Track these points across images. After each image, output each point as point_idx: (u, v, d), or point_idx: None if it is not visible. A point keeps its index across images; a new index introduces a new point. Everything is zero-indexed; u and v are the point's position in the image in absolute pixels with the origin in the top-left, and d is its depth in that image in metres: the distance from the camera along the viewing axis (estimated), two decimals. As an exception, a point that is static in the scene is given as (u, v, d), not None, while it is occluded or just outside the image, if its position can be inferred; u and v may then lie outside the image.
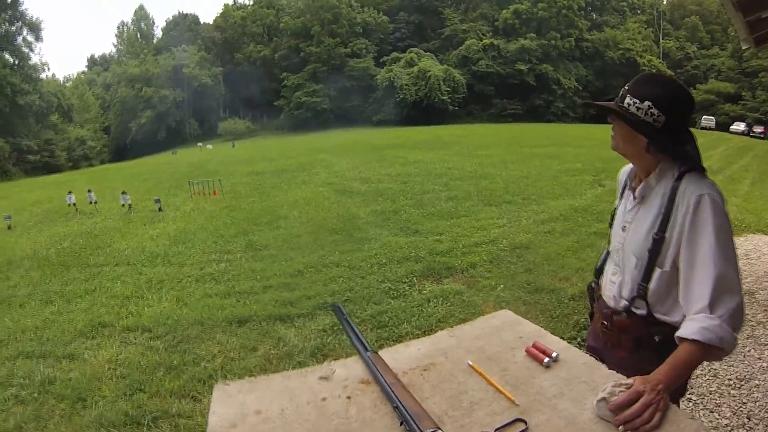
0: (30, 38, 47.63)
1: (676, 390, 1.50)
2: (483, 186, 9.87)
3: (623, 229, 1.59)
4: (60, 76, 75.18)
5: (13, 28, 45.71)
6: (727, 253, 1.34)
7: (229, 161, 22.46)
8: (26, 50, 47.10)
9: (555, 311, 4.44)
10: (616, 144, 1.56)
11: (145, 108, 56.29)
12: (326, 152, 20.88)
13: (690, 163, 1.46)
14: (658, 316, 1.48)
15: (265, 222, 9.05)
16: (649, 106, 1.41)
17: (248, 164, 19.50)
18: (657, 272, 1.45)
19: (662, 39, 61.26)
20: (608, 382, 1.10)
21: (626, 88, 1.50)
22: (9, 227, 11.20)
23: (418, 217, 8.02)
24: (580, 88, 56.10)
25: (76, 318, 5.42)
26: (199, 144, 44.54)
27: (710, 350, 1.26)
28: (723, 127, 41.90)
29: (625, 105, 1.47)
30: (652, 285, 1.47)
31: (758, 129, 40.38)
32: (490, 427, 0.98)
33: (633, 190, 1.59)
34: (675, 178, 1.45)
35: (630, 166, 1.69)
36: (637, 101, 1.44)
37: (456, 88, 52.51)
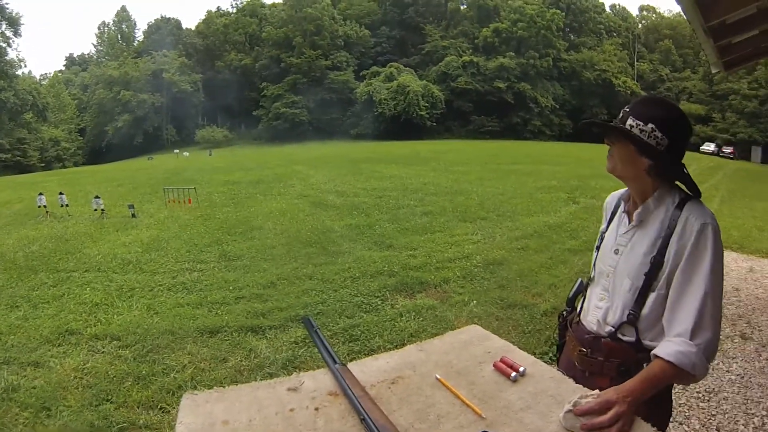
0: (8, 33, 46.78)
1: (664, 412, 1.56)
2: (458, 202, 9.98)
3: (616, 252, 1.57)
4: (37, 74, 73.34)
5: None
6: (717, 286, 1.38)
7: (206, 169, 22.25)
8: (3, 45, 46.21)
9: (527, 326, 4.53)
10: (613, 166, 1.55)
11: (123, 111, 55.30)
12: (303, 164, 20.88)
13: (690, 189, 1.50)
14: (646, 342, 1.48)
15: (239, 232, 9.01)
16: (652, 128, 1.42)
17: (225, 173, 19.36)
18: (651, 296, 1.47)
19: (637, 61, 63.62)
20: (575, 395, 1.14)
21: (627, 110, 1.50)
22: None
23: (392, 232, 8.07)
24: (557, 106, 57.54)
25: (43, 324, 5.29)
26: (176, 151, 44.00)
27: (682, 374, 1.31)
28: (694, 147, 43.41)
29: (627, 127, 1.46)
30: (645, 310, 1.48)
31: (727, 150, 42.46)
32: None
33: (628, 213, 1.60)
34: (676, 204, 1.46)
35: (621, 191, 1.71)
36: (641, 123, 1.44)
37: (435, 104, 53.16)
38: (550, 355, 3.80)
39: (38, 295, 6.29)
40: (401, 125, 50.46)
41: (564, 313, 1.83)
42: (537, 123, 56.12)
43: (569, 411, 1.09)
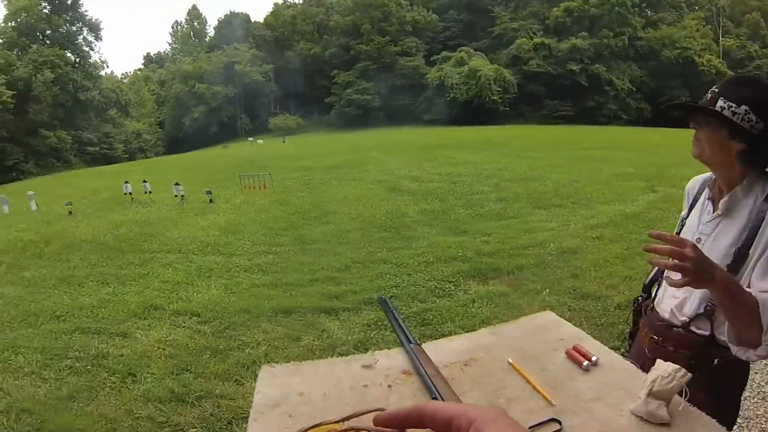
0: (90, 38, 50.95)
1: (737, 383, 1.47)
2: (533, 188, 9.71)
3: (698, 240, 1.48)
4: (118, 73, 79.36)
5: (74, 28, 48.94)
6: None
7: (280, 156, 22.96)
8: (87, 49, 50.33)
9: (600, 319, 4.34)
10: (699, 151, 1.44)
11: (198, 103, 58.27)
12: (376, 150, 21.02)
13: None
14: (720, 338, 1.39)
15: (314, 217, 9.22)
16: (746, 110, 1.32)
17: (298, 160, 19.87)
18: None
19: (722, 37, 57.17)
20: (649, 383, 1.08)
21: (716, 90, 1.39)
22: (70, 213, 11.90)
23: (466, 218, 7.99)
24: (634, 89, 53.46)
25: (130, 299, 5.75)
26: (250, 139, 45.77)
27: (755, 318, 1.21)
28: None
29: (718, 108, 1.36)
30: None
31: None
32: (525, 424, 0.98)
33: (713, 200, 1.50)
34: (766, 195, 1.36)
35: (704, 176, 1.60)
36: (733, 105, 1.33)
37: (507, 88, 51.57)
38: (622, 350, 3.59)
39: (125, 273, 6.81)
40: (473, 110, 49.47)
41: (639, 299, 1.76)
42: (612, 107, 52.57)
43: (647, 398, 1.03)
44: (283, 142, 40.61)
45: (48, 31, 46.04)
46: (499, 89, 50.67)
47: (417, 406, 0.43)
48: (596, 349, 1.28)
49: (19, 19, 44.27)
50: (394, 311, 1.48)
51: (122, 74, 73.79)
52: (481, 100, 49.69)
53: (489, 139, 23.02)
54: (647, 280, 1.75)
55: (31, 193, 14.63)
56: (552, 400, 1.08)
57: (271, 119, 59.37)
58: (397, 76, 55.39)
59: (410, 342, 1.32)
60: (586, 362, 1.21)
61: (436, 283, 5.43)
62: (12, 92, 36.79)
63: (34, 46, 44.20)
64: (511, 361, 1.25)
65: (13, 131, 37.87)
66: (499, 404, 1.02)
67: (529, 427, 0.98)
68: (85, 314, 5.46)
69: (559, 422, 1.00)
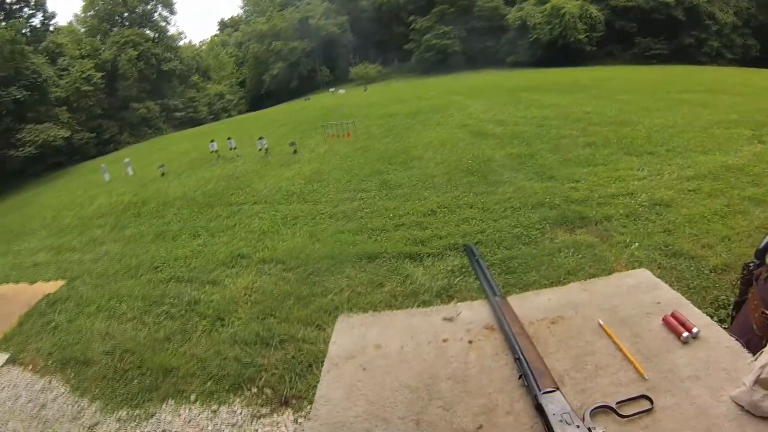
0: (165, 13, 54.50)
1: None
2: (623, 133, 8.96)
3: None
4: (196, 42, 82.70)
5: (149, 6, 52.38)
6: None
7: (362, 104, 22.98)
8: (163, 24, 53.91)
9: (692, 281, 3.91)
10: None
11: (276, 60, 59.74)
12: (459, 94, 20.44)
13: None
14: None
15: (398, 162, 9.15)
16: None
17: (381, 107, 19.78)
18: None
19: None
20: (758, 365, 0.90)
21: None
22: (162, 174, 12.83)
23: (553, 163, 7.60)
24: (740, 23, 46.69)
25: (219, 250, 6.09)
26: (331, 89, 46.32)
27: None
28: None
29: None
30: None
31: None
32: (612, 398, 0.90)
33: None
34: None
35: None
36: None
37: (593, 26, 47.28)
38: (715, 319, 3.19)
39: (214, 225, 7.22)
40: (558, 51, 46.17)
41: (750, 265, 1.53)
42: (714, 44, 46.10)
43: (756, 383, 0.85)
44: (365, 90, 40.59)
45: (125, 14, 49.90)
46: (585, 27, 46.64)
47: None
48: (697, 318, 1.12)
49: (97, 7, 48.38)
50: (479, 261, 1.41)
51: (200, 42, 76.97)
52: (566, 39, 46.18)
53: (576, 80, 21.54)
54: (762, 245, 1.51)
55: (127, 160, 15.94)
56: (644, 374, 0.97)
57: (351, 69, 59.58)
58: (476, 18, 52.87)
59: (495, 294, 1.25)
60: (685, 333, 1.06)
61: (521, 230, 5.25)
62: (101, 74, 40.69)
63: (115, 29, 48.11)
64: (601, 322, 1.14)
65: (107, 108, 41.88)
66: (585, 372, 0.99)
67: (617, 403, 0.89)
68: (179, 265, 5.88)
69: (651, 401, 0.89)
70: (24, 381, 4.23)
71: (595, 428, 0.82)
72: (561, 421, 0.83)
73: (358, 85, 51.54)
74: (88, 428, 3.44)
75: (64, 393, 3.93)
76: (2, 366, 4.52)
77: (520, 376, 0.97)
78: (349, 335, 1.25)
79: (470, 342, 1.15)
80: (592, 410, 0.87)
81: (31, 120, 32.31)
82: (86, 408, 3.67)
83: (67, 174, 26.17)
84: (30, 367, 4.42)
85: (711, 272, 4.01)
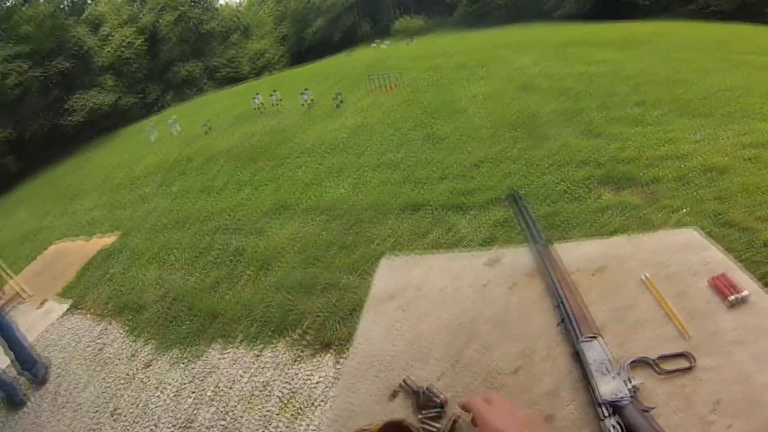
0: None
1: None
2: (677, 94, 8.38)
3: None
4: (234, 1, 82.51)
5: None
6: None
7: (406, 58, 22.55)
8: None
9: (743, 254, 3.66)
10: None
11: (317, 15, 59.07)
12: (505, 48, 19.70)
13: None
14: None
15: (444, 115, 9.01)
16: None
17: (425, 60, 19.33)
18: None
19: None
20: None
21: None
22: (207, 131, 13.10)
23: (601, 121, 7.29)
24: None
25: (264, 201, 6.25)
26: (374, 43, 45.58)
27: None
28: None
29: None
30: None
31: None
32: (652, 353, 0.88)
33: None
34: None
35: None
36: None
37: None
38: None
39: (259, 178, 7.37)
40: (610, 4, 43.13)
41: None
42: None
43: None
44: (408, 43, 39.75)
45: (162, -22, 50.66)
46: None
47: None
48: (747, 283, 1.06)
49: (134, -26, 49.14)
50: (523, 207, 1.37)
51: (238, 2, 76.69)
52: None
53: (628, 36, 20.19)
54: None
55: (172, 119, 16.31)
56: (688, 331, 0.94)
57: (394, 22, 58.33)
58: (524, -32, 50.36)
59: (538, 241, 1.22)
60: (733, 296, 1.00)
61: (566, 186, 5.12)
62: (142, 38, 42.20)
63: None
64: (646, 277, 1.10)
65: (150, 71, 43.13)
66: (626, 324, 0.97)
67: (657, 358, 0.87)
68: (225, 216, 6.07)
69: (693, 359, 0.87)
70: (84, 326, 4.55)
71: (633, 379, 0.82)
72: (599, 369, 0.84)
73: (401, 38, 50.50)
74: (143, 367, 3.68)
75: (120, 336, 4.21)
76: (65, 313, 4.86)
77: (560, 322, 0.97)
78: (392, 276, 1.26)
79: (511, 287, 1.14)
80: (631, 362, 0.87)
81: (78, 88, 34.01)
82: (141, 349, 3.92)
83: (115, 137, 27.19)
84: (89, 313, 4.74)
85: (763, 246, 3.77)
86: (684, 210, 4.40)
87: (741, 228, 4.08)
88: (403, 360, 1.00)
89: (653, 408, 0.79)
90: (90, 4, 41.38)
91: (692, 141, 6.11)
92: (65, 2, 37.86)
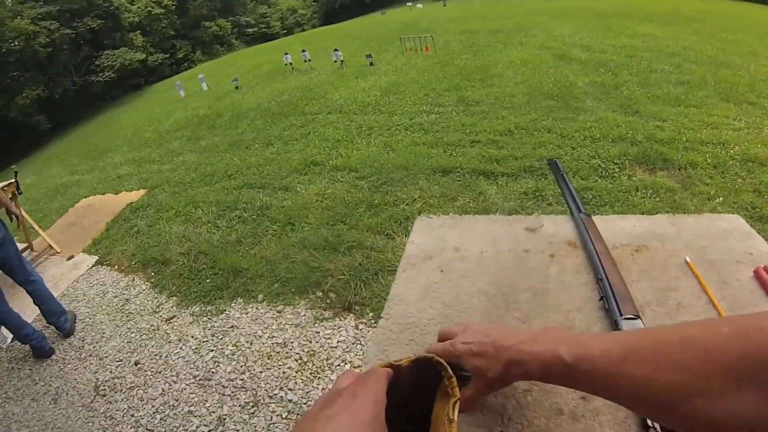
0: None
1: None
2: (723, 77, 7.93)
3: None
4: None
5: None
6: None
7: (441, 20, 22.01)
8: None
9: None
10: None
11: (351, -29, 57.92)
12: (545, 15, 19.06)
13: None
14: None
15: (478, 79, 8.75)
16: None
17: (461, 23, 18.85)
18: None
19: None
20: None
21: None
22: (236, 88, 13.02)
23: (640, 97, 6.98)
24: None
25: (292, 158, 6.17)
26: (409, 3, 44.55)
27: None
28: None
29: None
30: None
31: None
32: None
33: None
34: None
35: None
36: None
37: None
38: None
39: (288, 134, 7.29)
40: None
41: None
42: None
43: None
44: (444, 5, 38.76)
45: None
46: None
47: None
48: None
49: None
50: (564, 175, 1.32)
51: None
52: None
53: (676, 10, 19.23)
54: None
55: (201, 75, 16.26)
56: None
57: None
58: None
59: (580, 211, 1.18)
60: None
61: (600, 162, 4.96)
62: None
63: None
64: (689, 260, 1.06)
65: (179, 28, 43.23)
66: (667, 307, 0.95)
67: None
68: (252, 172, 6.01)
69: None
70: (111, 279, 4.57)
71: None
72: None
73: (436, 0, 49.44)
74: (166, 320, 3.68)
75: (145, 290, 4.21)
76: (92, 267, 4.90)
77: (601, 298, 0.93)
78: (428, 236, 1.21)
79: (552, 255, 1.10)
80: None
81: (107, 47, 34.45)
82: (164, 303, 3.92)
83: (144, 94, 27.42)
84: (116, 267, 4.76)
85: None
86: (719, 199, 4.21)
87: (776, 225, 3.86)
88: (440, 324, 0.94)
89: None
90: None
91: (734, 128, 5.80)
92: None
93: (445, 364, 0.60)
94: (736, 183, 4.49)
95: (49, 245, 5.46)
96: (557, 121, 6.22)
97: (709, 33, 13.43)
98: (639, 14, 17.79)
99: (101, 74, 32.87)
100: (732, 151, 5.10)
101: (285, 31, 52.57)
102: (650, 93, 7.21)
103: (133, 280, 4.43)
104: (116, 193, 6.84)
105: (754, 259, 1.07)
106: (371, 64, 11.44)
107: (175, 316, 3.70)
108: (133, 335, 3.64)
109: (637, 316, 0.86)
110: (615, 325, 0.86)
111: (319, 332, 3.13)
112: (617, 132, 5.69)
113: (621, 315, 0.86)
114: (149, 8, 39.69)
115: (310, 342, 3.07)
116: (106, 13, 34.28)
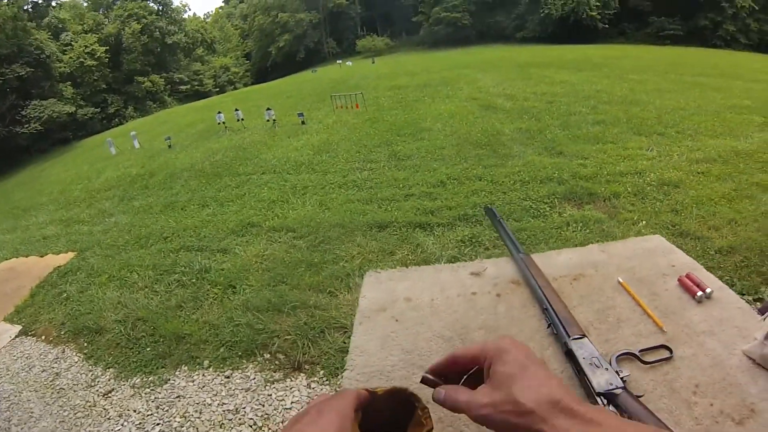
0: None
1: None
2: (633, 113, 8.93)
3: None
4: (201, 14, 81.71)
5: None
6: None
7: (371, 76, 22.76)
8: None
9: (698, 261, 3.81)
10: None
11: (283, 32, 59.17)
12: (469, 68, 20.26)
13: None
14: None
15: (408, 133, 9.10)
16: None
17: (389, 79, 19.59)
18: None
19: None
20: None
21: None
22: (169, 146, 12.81)
23: (562, 139, 7.61)
24: (757, 8, 44.51)
25: (228, 219, 6.12)
26: (339, 61, 45.84)
27: None
28: None
29: None
30: None
31: None
32: (634, 347, 0.97)
33: None
34: None
35: None
36: None
37: (607, 3, 45.78)
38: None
39: (223, 195, 7.23)
40: (570, 28, 45.03)
41: None
42: (730, 28, 43.70)
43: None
44: (372, 62, 40.13)
45: (128, -14, 49.70)
46: (598, 4, 45.25)
47: (448, 354, 0.61)
48: (710, 281, 1.18)
49: (99, -19, 47.65)
50: (501, 220, 1.44)
51: (204, 14, 76.22)
52: (578, 16, 44.92)
53: (587, 58, 21.24)
54: None
55: (133, 133, 15.91)
56: (663, 326, 1.04)
57: (358, 41, 58.98)
58: (487, -10, 51.68)
59: (519, 251, 1.29)
60: (699, 293, 1.12)
61: (531, 203, 5.31)
62: (105, 48, 40.91)
63: (118, 2, 47.51)
64: (621, 280, 1.20)
65: (111, 82, 42.02)
66: (608, 324, 1.06)
67: (640, 351, 0.95)
68: (189, 234, 5.89)
69: (670, 350, 0.96)
70: (37, 351, 4.27)
71: (621, 371, 0.88)
72: (591, 364, 0.89)
73: (365, 57, 50.99)
74: (103, 395, 3.48)
75: (77, 362, 3.97)
76: (15, 337, 4.57)
77: (549, 325, 1.01)
78: (378, 289, 1.27)
79: (498, 295, 1.19)
80: (618, 356, 0.95)
81: (35, 96, 32.59)
82: (100, 376, 3.70)
83: (73, 149, 26.31)
84: (43, 337, 4.46)
85: (716, 253, 4.06)
86: (642, 222, 4.64)
87: (695, 237, 4.33)
88: (403, 369, 1.01)
89: (642, 395, 0.84)
90: (53, 9, 40.13)
91: (648, 158, 6.41)
92: (27, 5, 36.44)
93: (416, 395, 0.63)
94: (656, 206, 4.95)
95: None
96: (487, 168, 6.55)
97: (617, 75, 14.72)
98: (555, 63, 19.20)
99: (27, 125, 30.97)
100: (648, 179, 5.62)
101: (217, 89, 52.41)
102: (571, 134, 7.78)
103: (64, 351, 4.14)
104: (41, 256, 6.44)
105: (676, 270, 1.22)
106: (303, 122, 11.62)
107: (113, 389, 3.50)
108: (66, 413, 3.38)
109: (584, 335, 0.95)
110: (565, 347, 0.94)
111: (271, 395, 3.07)
112: (544, 173, 6.07)
113: (569, 336, 0.94)
114: (82, 59, 38.48)
115: (263, 406, 3.01)
116: (37, 60, 32.59)
